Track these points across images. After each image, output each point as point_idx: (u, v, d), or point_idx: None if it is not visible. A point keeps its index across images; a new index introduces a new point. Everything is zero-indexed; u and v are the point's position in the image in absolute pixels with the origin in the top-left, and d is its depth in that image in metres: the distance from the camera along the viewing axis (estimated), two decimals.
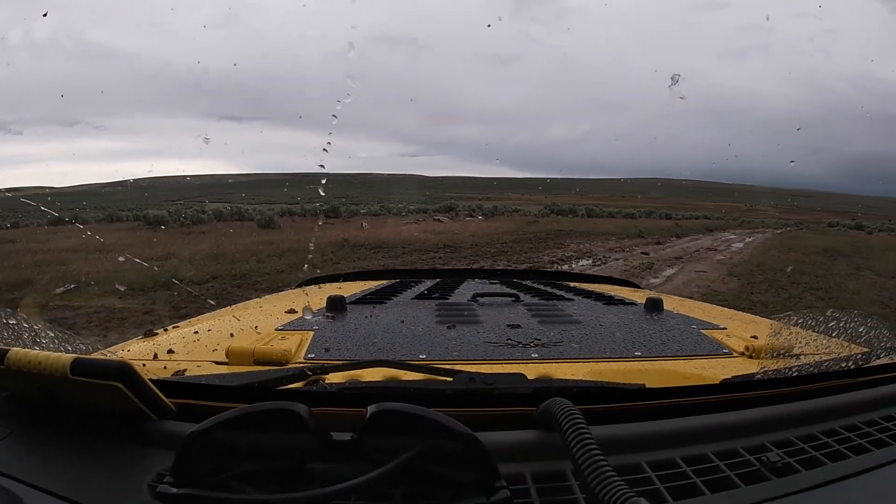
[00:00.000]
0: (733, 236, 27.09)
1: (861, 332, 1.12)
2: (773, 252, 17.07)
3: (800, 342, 1.09)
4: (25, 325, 0.98)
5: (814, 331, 1.14)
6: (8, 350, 0.66)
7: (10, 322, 0.96)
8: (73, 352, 0.96)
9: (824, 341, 1.11)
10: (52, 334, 1.01)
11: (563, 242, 17.86)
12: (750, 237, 26.65)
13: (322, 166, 1.16)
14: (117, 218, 22.46)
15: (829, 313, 1.17)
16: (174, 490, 0.56)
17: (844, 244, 21.12)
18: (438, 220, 24.99)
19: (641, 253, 15.65)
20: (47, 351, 0.67)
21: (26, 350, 0.66)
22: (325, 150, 1.12)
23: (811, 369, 0.92)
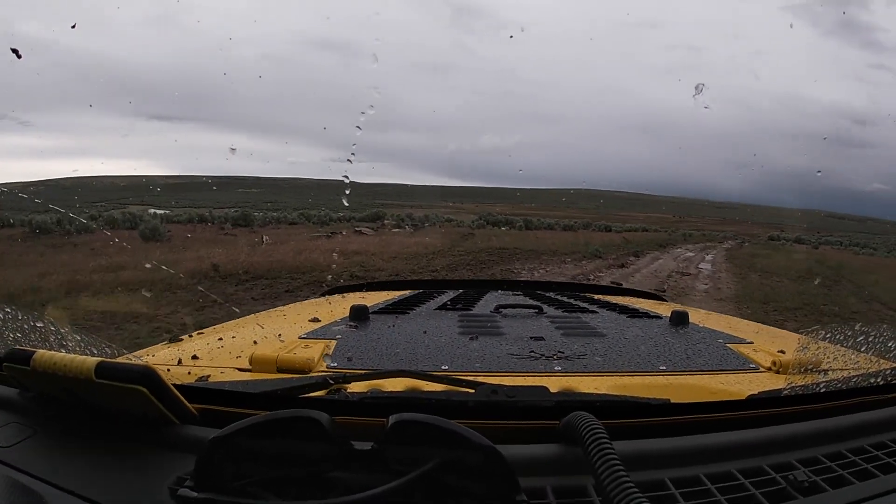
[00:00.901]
0: (690, 253, 26.20)
1: (891, 346, 1.11)
2: (754, 277, 15.79)
3: (828, 357, 1.08)
4: (52, 327, 0.99)
5: (842, 345, 1.13)
6: (34, 352, 0.67)
7: (37, 325, 0.98)
8: (99, 355, 0.95)
9: (853, 356, 1.09)
10: (79, 338, 1.02)
11: (512, 268, 14.85)
12: (708, 254, 26.07)
13: (346, 177, 1.19)
14: (6, 223, 19.78)
15: (857, 328, 1.15)
16: (195, 494, 0.56)
17: (814, 264, 20.86)
18: (360, 231, 21.84)
19: (612, 283, 12.10)
20: (73, 354, 0.68)
21: (52, 352, 0.67)
22: (349, 160, 1.14)
23: (839, 385, 0.91)
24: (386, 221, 29.10)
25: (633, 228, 48.68)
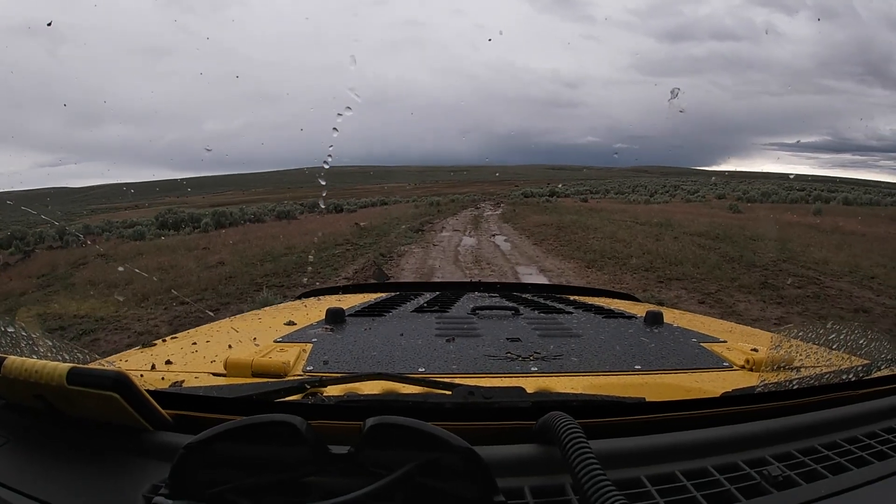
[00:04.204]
0: (469, 238, 16.57)
1: (861, 343, 1.12)
2: (668, 294, 8.49)
3: (800, 355, 1.09)
4: (23, 333, 0.96)
5: (814, 343, 1.14)
6: (5, 358, 0.66)
7: (8, 330, 0.94)
8: (71, 361, 0.92)
9: (825, 354, 1.11)
10: (50, 343, 0.99)
11: None
12: (492, 233, 18.03)
13: (322, 182, 1.15)
14: None
15: (829, 325, 1.16)
16: (170, 502, 0.56)
17: (668, 231, 15.33)
18: None
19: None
20: (44, 360, 0.67)
21: (23, 358, 0.66)
22: (325, 163, 1.11)
23: (812, 382, 0.92)
24: (28, 242, 18.74)
25: (371, 203, 43.50)
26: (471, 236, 17.23)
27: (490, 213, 29.70)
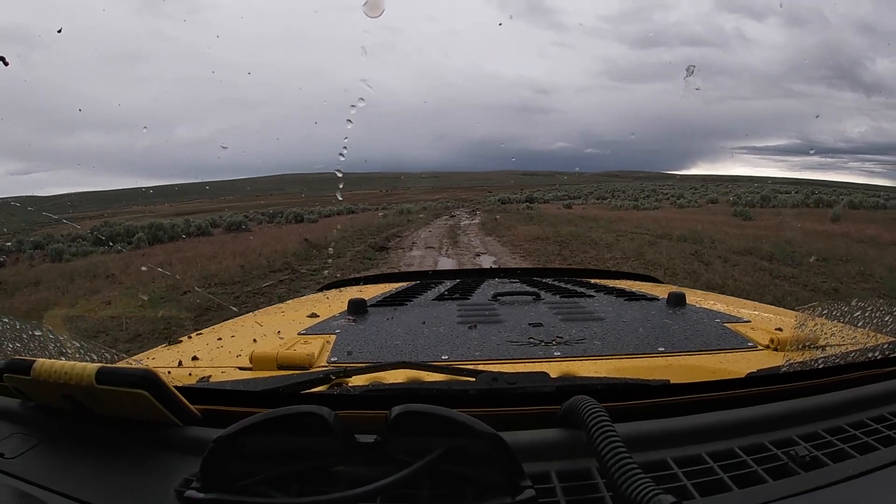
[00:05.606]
0: (448, 262, 11.57)
1: (887, 321, 1.10)
2: None
3: (825, 333, 1.07)
4: (51, 335, 0.97)
5: (839, 321, 1.12)
6: (34, 361, 0.67)
7: (36, 333, 0.96)
8: (99, 361, 0.95)
9: (850, 332, 1.08)
10: (78, 344, 1.00)
11: None
12: (478, 252, 13.18)
13: (339, 172, 1.16)
14: None
15: (853, 303, 1.13)
16: (201, 495, 0.56)
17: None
18: None
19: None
20: (73, 361, 0.68)
21: (52, 360, 0.67)
22: (341, 154, 1.11)
23: (837, 361, 0.91)
24: None
25: (336, 211, 38.42)
26: (449, 256, 12.94)
27: (467, 222, 26.09)
